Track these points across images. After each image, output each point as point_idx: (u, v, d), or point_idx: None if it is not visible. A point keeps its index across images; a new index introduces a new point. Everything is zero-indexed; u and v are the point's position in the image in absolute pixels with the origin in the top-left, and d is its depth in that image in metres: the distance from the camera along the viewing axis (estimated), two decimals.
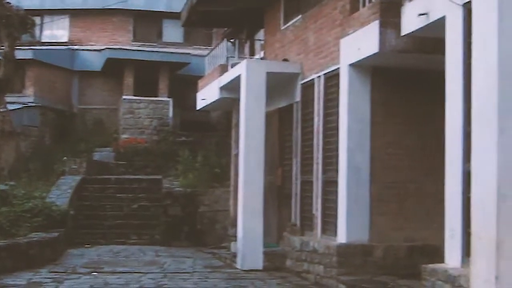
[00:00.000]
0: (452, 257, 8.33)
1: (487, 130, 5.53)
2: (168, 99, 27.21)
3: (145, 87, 26.90)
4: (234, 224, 16.50)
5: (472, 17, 5.95)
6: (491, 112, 5.47)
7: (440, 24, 8.85)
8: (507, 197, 5.33)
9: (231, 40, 19.95)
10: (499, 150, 5.36)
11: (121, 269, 13.93)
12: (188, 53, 27.85)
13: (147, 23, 29.90)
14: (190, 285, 12.09)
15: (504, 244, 5.33)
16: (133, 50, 27.99)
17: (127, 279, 12.52)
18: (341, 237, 11.76)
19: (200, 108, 20.49)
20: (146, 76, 27.08)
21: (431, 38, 9.71)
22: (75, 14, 29.50)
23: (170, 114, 26.99)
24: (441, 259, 8.65)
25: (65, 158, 22.43)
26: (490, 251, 5.36)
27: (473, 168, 5.74)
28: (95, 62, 28.40)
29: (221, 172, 21.14)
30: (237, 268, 14.14)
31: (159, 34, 30.14)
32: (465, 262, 7.90)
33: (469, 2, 7.96)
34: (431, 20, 9.10)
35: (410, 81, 11.83)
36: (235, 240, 15.32)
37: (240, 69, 15.04)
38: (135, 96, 27.05)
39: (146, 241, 19.56)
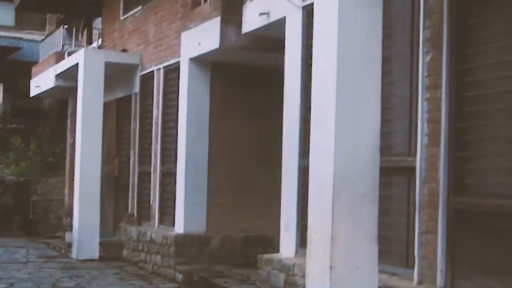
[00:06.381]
0: (286, 248, 8.76)
1: (325, 128, 5.86)
2: None
3: None
4: (69, 214, 16.29)
5: (314, 19, 6.25)
6: (330, 112, 5.81)
7: (280, 24, 9.20)
8: (342, 193, 5.70)
9: (66, 26, 19.54)
10: (336, 148, 5.72)
11: None
12: (20, 38, 26.95)
13: None
14: (25, 275, 11.82)
15: (337, 237, 5.71)
16: None
17: None
18: (179, 227, 11.96)
19: (34, 95, 19.95)
20: None
21: (272, 37, 10.02)
22: None
23: (0, 99, 26.02)
24: (274, 249, 9.05)
25: None
26: (325, 243, 5.72)
27: (311, 165, 6.08)
28: None
29: (55, 161, 20.76)
30: (73, 258, 14.00)
31: None
32: (299, 252, 8.36)
33: (309, 5, 8.40)
34: (271, 20, 9.44)
35: (250, 77, 12.19)
36: (70, 230, 15.14)
37: (78, 58, 14.83)
38: None
39: None
